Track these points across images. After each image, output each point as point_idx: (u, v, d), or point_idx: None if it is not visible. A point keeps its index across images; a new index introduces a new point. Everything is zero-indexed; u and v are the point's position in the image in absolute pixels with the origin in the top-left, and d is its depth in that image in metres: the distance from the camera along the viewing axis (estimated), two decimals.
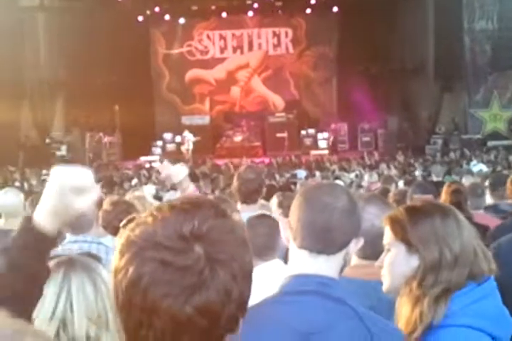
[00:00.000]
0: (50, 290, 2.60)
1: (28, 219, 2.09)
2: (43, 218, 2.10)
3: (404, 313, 2.66)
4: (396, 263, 2.73)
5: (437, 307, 2.58)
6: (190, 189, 4.50)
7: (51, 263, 2.73)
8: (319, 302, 2.43)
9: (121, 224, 4.37)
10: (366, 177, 15.65)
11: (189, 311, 1.45)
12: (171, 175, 4.49)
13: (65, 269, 2.64)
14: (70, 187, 2.07)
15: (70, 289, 2.61)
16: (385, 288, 2.78)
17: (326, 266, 2.52)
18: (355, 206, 2.59)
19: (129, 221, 4.46)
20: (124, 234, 1.57)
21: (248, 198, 5.95)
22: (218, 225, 1.53)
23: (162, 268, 1.46)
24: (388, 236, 2.77)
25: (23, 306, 2.02)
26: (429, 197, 6.53)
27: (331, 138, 32.04)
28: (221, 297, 1.47)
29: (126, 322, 1.52)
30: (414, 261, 2.66)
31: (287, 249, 2.71)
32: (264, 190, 6.38)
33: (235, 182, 6.08)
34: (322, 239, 2.52)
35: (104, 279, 2.66)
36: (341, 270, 2.62)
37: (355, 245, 2.58)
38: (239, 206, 5.99)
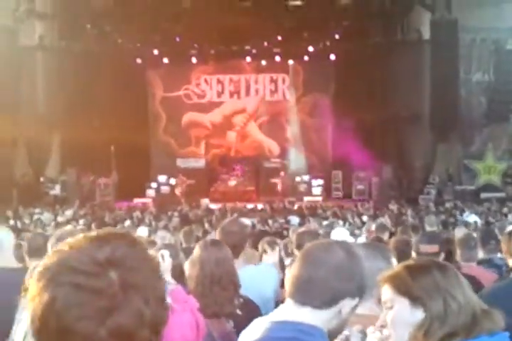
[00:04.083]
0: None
1: None
2: None
3: None
4: (400, 318, 2.68)
5: None
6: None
7: None
8: None
9: None
10: (367, 225, 15.63)
11: (103, 334, 1.46)
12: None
13: None
14: None
15: None
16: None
17: (310, 316, 2.48)
18: (352, 264, 2.55)
19: None
20: (41, 262, 1.58)
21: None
22: (132, 253, 1.57)
23: (75, 291, 1.47)
24: (388, 292, 2.72)
25: None
26: (435, 247, 6.49)
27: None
28: (134, 320, 1.49)
29: None
30: (419, 314, 2.62)
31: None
32: (247, 244, 6.39)
33: (218, 235, 6.07)
34: (303, 291, 2.49)
35: None
36: (337, 328, 2.57)
37: (349, 305, 2.52)
38: None
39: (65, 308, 1.47)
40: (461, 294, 2.65)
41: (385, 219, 17.22)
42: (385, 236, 10.43)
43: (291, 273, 2.57)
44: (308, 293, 2.49)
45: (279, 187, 31.52)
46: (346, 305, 2.50)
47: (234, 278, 4.65)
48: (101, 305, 1.47)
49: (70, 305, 1.47)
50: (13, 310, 4.66)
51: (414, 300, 2.65)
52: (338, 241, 2.85)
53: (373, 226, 13.22)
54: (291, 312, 2.50)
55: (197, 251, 4.93)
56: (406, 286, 2.68)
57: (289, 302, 2.53)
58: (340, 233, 8.49)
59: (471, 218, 17.22)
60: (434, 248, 6.37)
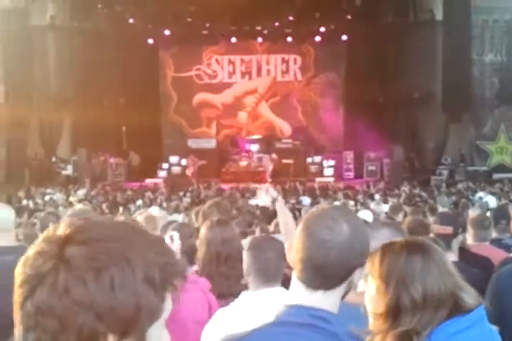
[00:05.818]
0: None
1: None
2: None
3: None
4: (370, 300, 2.66)
5: None
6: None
7: None
8: (312, 336, 2.33)
9: None
10: (372, 205, 15.57)
11: (30, 307, 1.38)
12: None
13: None
14: None
15: None
16: (370, 325, 2.67)
17: (322, 300, 2.40)
18: (358, 235, 2.42)
19: None
20: None
21: None
22: (87, 230, 1.44)
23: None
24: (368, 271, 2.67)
25: None
26: (449, 228, 6.45)
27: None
28: (58, 298, 1.36)
29: None
30: (380, 300, 2.59)
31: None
32: None
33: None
34: (319, 276, 2.39)
35: None
36: (343, 297, 2.53)
37: (359, 274, 2.43)
38: None
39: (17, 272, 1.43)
40: (422, 287, 2.56)
41: (398, 200, 17.17)
42: (399, 217, 10.35)
43: (298, 250, 2.45)
44: (324, 277, 2.39)
45: (268, 169, 31.49)
46: (357, 274, 2.42)
47: (241, 257, 4.26)
48: (34, 271, 1.39)
49: (24, 266, 1.42)
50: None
51: (378, 287, 2.59)
52: (337, 209, 2.66)
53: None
54: (305, 296, 2.41)
55: (203, 231, 4.92)
56: (374, 269, 2.63)
57: (300, 286, 2.43)
58: (364, 216, 8.43)
59: (487, 199, 17.15)
60: (447, 229, 6.34)
